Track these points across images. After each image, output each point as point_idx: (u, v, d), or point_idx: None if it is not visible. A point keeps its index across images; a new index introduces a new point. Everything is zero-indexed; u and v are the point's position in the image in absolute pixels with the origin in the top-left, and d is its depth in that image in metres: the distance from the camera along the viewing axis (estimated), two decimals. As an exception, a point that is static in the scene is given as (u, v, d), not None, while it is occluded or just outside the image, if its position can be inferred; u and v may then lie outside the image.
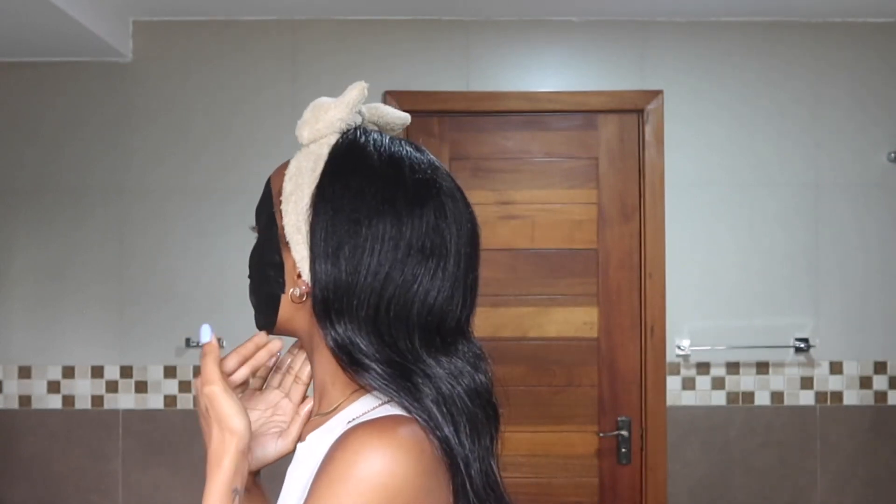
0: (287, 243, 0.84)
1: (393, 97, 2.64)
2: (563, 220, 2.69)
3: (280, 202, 0.85)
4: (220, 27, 2.68)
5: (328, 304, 0.81)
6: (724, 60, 2.68)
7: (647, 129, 2.66)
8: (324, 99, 0.86)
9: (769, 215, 2.67)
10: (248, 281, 0.91)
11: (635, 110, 2.68)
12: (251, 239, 0.90)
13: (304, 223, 0.82)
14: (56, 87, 2.69)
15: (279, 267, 0.85)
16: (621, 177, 2.69)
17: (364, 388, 0.82)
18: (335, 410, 0.84)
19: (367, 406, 0.81)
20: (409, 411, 0.77)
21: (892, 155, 2.66)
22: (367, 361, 0.79)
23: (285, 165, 0.87)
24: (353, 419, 0.79)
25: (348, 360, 0.80)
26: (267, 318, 0.88)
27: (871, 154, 2.68)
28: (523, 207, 2.68)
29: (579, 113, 2.69)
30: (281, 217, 0.84)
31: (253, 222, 0.91)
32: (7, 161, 2.69)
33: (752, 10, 2.63)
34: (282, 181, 0.85)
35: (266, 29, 2.68)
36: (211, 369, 0.83)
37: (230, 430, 0.81)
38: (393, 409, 0.78)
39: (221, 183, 2.66)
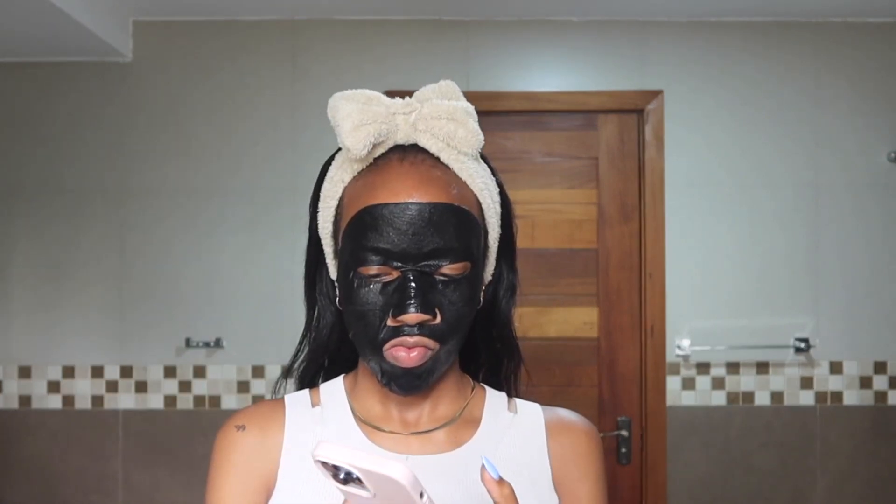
0: (487, 257, 0.86)
1: (393, 97, 2.63)
2: (563, 220, 2.69)
3: (482, 215, 0.85)
4: (220, 27, 2.68)
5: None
6: (724, 60, 2.68)
7: (647, 129, 2.66)
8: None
9: (769, 215, 2.67)
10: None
11: (635, 110, 2.68)
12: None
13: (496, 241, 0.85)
14: (56, 87, 2.69)
15: (480, 287, 0.83)
16: (621, 177, 2.69)
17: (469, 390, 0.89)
18: (467, 412, 0.87)
19: (503, 399, 0.90)
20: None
21: (892, 155, 2.66)
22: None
23: (456, 182, 0.81)
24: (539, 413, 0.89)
25: (508, 365, 0.91)
26: (460, 339, 0.82)
27: (871, 154, 2.68)
28: (523, 207, 2.68)
29: (579, 113, 2.69)
30: (487, 233, 0.85)
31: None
32: (7, 161, 2.69)
33: (752, 10, 2.63)
34: (475, 195, 0.84)
35: (266, 29, 2.68)
36: None
37: None
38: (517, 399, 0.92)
39: (222, 183, 2.65)
